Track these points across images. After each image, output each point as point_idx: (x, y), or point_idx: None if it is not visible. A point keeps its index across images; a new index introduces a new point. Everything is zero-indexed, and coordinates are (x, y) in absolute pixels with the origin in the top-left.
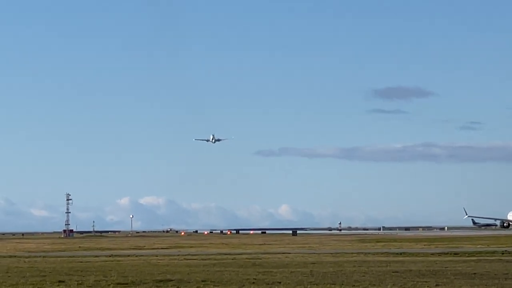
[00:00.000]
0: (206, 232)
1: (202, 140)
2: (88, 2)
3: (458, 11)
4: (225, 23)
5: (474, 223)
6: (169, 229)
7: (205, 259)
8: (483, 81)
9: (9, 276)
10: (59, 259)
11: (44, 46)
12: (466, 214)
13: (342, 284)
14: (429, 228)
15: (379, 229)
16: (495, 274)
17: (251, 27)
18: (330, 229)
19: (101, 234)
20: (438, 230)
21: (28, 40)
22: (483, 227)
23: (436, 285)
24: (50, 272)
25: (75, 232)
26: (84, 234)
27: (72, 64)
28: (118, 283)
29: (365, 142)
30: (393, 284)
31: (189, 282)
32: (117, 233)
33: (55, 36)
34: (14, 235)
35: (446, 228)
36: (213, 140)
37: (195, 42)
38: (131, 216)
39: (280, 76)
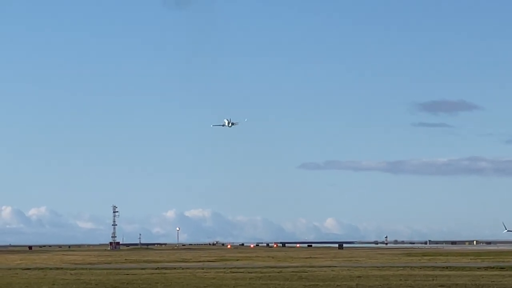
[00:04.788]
0: (252, 245)
1: (219, 125)
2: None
3: (503, 27)
4: (267, 40)
5: None
6: (215, 242)
7: (251, 272)
8: None
9: None
10: (105, 271)
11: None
12: (506, 229)
13: None
14: (478, 242)
15: (426, 243)
16: None
17: (296, 41)
18: (376, 242)
19: (147, 246)
20: (484, 244)
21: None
22: None
23: None
24: (96, 285)
25: (121, 244)
26: (131, 247)
27: (111, 83)
28: None
29: (410, 155)
30: None
31: None
32: (163, 245)
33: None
34: (60, 247)
35: (474, 242)
36: (229, 124)
37: (233, 55)
38: (177, 228)
39: (325, 90)
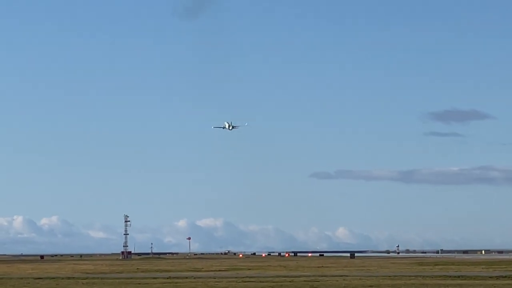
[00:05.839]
0: (264, 254)
1: (219, 127)
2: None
3: None
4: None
5: None
6: (226, 251)
7: (263, 282)
8: None
9: None
10: (117, 281)
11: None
12: None
13: None
14: (488, 251)
15: (437, 252)
16: None
17: (307, 49)
18: (388, 252)
19: (159, 256)
20: (495, 253)
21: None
22: None
23: None
24: None
25: (133, 253)
26: (142, 256)
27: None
28: None
29: (422, 165)
30: None
31: None
32: (175, 255)
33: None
34: (72, 256)
35: (483, 251)
36: (230, 127)
37: (241, 62)
38: (187, 238)
39: (336, 99)
